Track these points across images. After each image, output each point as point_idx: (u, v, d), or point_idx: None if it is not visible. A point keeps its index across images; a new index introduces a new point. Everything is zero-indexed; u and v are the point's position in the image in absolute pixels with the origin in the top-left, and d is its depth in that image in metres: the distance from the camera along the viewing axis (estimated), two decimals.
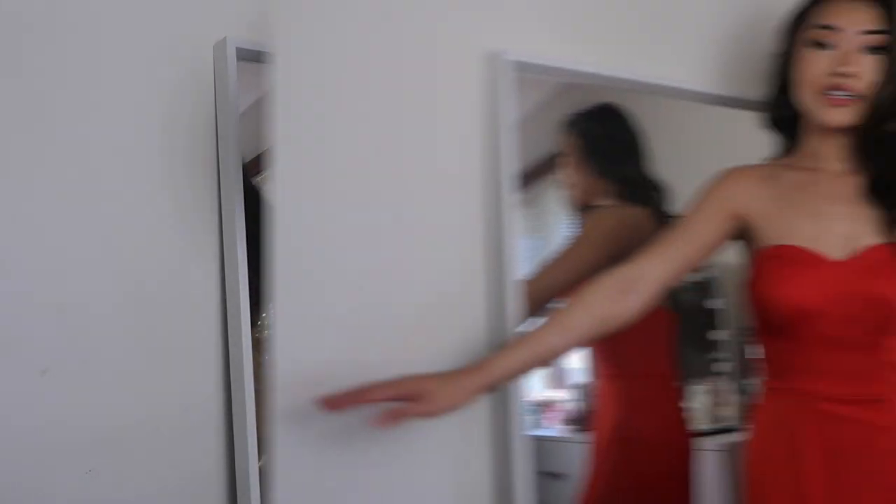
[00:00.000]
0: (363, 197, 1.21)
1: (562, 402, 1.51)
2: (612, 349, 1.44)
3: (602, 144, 1.50)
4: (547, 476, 1.37)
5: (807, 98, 1.14)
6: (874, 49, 1.10)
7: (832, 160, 1.17)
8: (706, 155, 1.60)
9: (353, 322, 1.19)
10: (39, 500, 1.08)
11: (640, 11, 1.44)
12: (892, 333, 1.10)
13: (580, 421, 1.50)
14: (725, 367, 1.67)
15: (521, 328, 1.21)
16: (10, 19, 1.08)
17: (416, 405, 0.98)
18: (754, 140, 1.33)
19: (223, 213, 1.22)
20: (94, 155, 1.15)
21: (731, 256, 1.28)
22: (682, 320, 1.60)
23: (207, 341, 1.24)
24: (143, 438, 1.17)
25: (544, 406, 1.49)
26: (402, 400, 0.98)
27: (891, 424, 1.10)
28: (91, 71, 1.16)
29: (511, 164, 1.24)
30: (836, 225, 1.12)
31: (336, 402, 0.97)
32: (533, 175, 1.41)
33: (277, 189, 1.14)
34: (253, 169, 1.27)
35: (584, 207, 1.49)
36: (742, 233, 1.19)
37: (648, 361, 1.54)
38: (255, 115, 1.23)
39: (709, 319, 1.68)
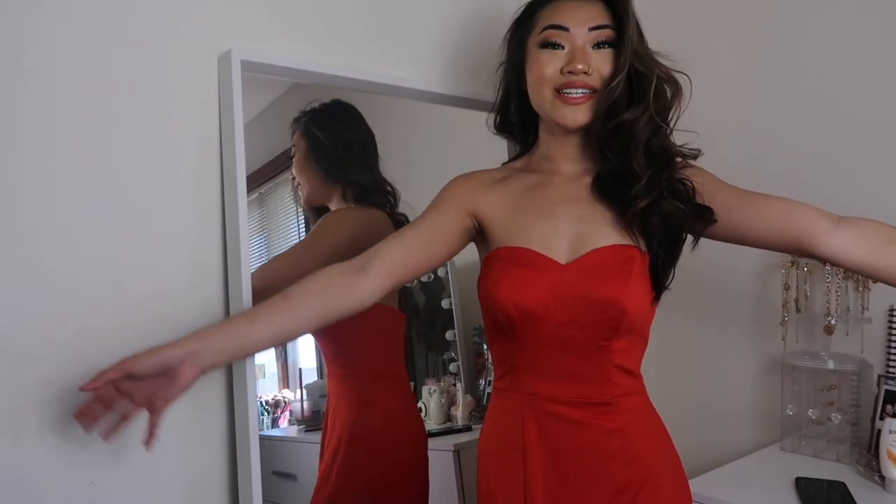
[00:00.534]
0: (93, 193, 1.15)
1: (294, 402, 1.49)
2: (343, 349, 1.44)
3: (328, 147, 1.46)
4: (280, 476, 1.37)
5: (542, 99, 1.11)
6: (603, 44, 1.09)
7: (567, 162, 1.16)
8: (438, 155, 1.66)
9: (87, 318, 1.14)
10: None
11: (371, 12, 1.48)
12: (619, 336, 1.06)
13: (312, 421, 1.48)
14: (457, 367, 1.69)
15: None
16: (16, 28, 1.08)
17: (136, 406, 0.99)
18: (486, 140, 1.35)
19: (227, 221, 1.25)
20: (98, 164, 1.14)
21: (463, 257, 1.28)
22: (415, 320, 1.63)
23: None
24: (145, 451, 1.13)
25: (278, 406, 1.48)
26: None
27: (618, 428, 1.07)
28: (97, 82, 1.15)
29: (241, 163, 1.23)
30: (564, 227, 1.09)
31: (89, 385, 0.96)
32: (264, 173, 1.40)
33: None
34: (258, 177, 1.31)
35: (315, 208, 1.47)
36: (476, 235, 1.18)
37: (380, 361, 1.52)
38: (260, 125, 1.30)
39: (441, 320, 1.69)
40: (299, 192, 1.45)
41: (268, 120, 1.38)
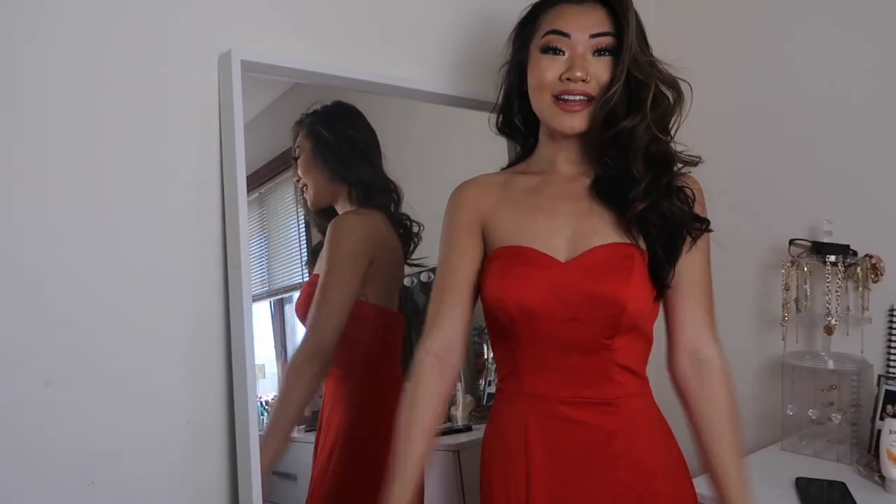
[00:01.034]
0: (93, 193, 1.15)
1: None
2: (340, 350, 1.43)
3: (333, 146, 1.45)
4: (280, 476, 1.37)
5: (541, 104, 1.12)
6: (603, 51, 1.09)
7: (566, 163, 1.16)
8: (437, 155, 1.66)
9: (87, 318, 1.14)
10: None
11: (372, 12, 1.48)
12: (620, 334, 1.05)
13: (312, 421, 1.46)
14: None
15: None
16: (15, 28, 1.08)
17: None
18: (486, 140, 1.35)
19: (227, 221, 1.25)
20: (97, 166, 1.14)
21: None
22: (415, 320, 1.60)
23: (212, 352, 1.26)
24: (145, 451, 1.18)
25: None
26: None
27: (620, 429, 1.06)
28: (97, 82, 1.15)
29: (241, 163, 1.23)
30: (563, 224, 1.09)
31: None
32: (264, 173, 1.40)
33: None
34: (258, 178, 1.31)
35: (319, 210, 1.47)
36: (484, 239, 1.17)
37: (378, 363, 1.52)
38: (260, 125, 1.30)
39: None
40: (305, 195, 1.45)
41: (268, 120, 1.39)
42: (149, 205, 1.20)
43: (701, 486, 1.35)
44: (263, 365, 1.43)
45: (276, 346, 1.47)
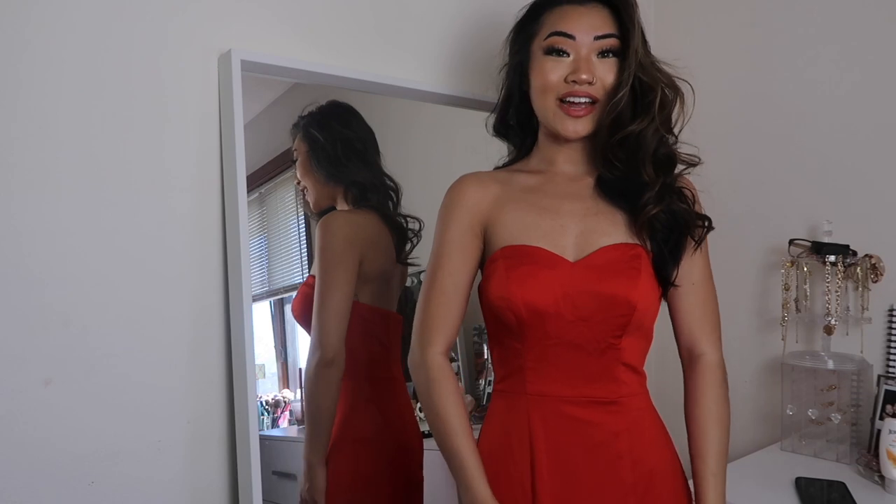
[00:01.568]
0: (93, 194, 1.15)
1: (294, 402, 1.47)
2: None
3: (327, 147, 1.44)
4: (280, 476, 1.37)
5: (545, 107, 1.10)
6: (608, 53, 1.08)
7: (568, 164, 1.15)
8: (435, 155, 1.66)
9: (87, 318, 1.14)
10: None
11: (371, 12, 1.48)
12: (628, 334, 1.05)
13: None
14: (457, 367, 1.68)
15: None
16: (14, 31, 1.08)
17: None
18: (485, 140, 1.32)
19: (227, 221, 1.25)
20: (98, 165, 1.15)
21: None
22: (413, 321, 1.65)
23: (212, 352, 1.26)
24: (145, 451, 1.18)
25: (278, 406, 1.48)
26: None
27: (624, 428, 1.07)
28: (96, 82, 1.15)
29: (241, 163, 1.23)
30: (570, 224, 1.08)
31: None
32: (264, 173, 1.40)
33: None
34: (258, 178, 1.31)
35: (320, 212, 1.46)
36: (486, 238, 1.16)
37: (375, 363, 1.51)
38: (260, 125, 1.30)
39: None
40: (306, 198, 1.45)
41: (268, 120, 1.38)
42: (148, 204, 1.20)
43: None
44: (263, 365, 1.44)
45: (276, 346, 1.47)
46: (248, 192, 1.25)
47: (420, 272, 1.58)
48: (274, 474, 1.33)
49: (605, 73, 1.08)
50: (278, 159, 1.44)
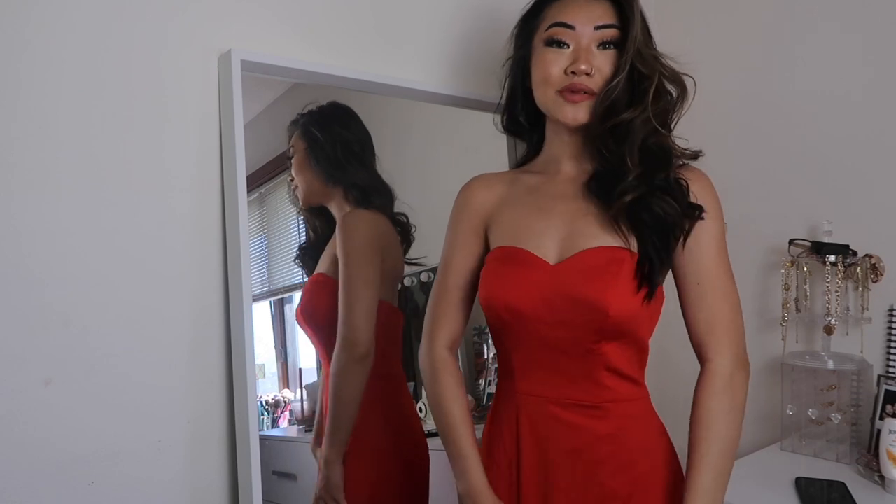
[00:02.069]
0: (93, 194, 1.15)
1: (294, 402, 1.48)
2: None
3: (327, 148, 1.45)
4: (280, 476, 1.37)
5: (545, 98, 1.11)
6: (608, 45, 1.08)
7: (570, 161, 1.15)
8: (434, 155, 1.65)
9: (87, 318, 1.14)
10: None
11: (371, 12, 1.48)
12: (607, 340, 1.04)
13: (312, 421, 1.46)
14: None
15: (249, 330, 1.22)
16: (14, 30, 1.08)
17: None
18: (484, 140, 1.34)
19: (227, 221, 1.25)
20: (98, 165, 1.14)
21: None
22: (415, 320, 1.60)
23: (212, 352, 1.26)
24: (145, 451, 1.18)
25: (278, 406, 1.48)
26: None
27: (609, 433, 1.06)
28: (96, 82, 1.15)
29: (241, 163, 1.23)
30: (558, 226, 1.09)
31: None
32: (264, 173, 1.40)
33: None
34: (258, 178, 1.31)
35: (312, 209, 1.46)
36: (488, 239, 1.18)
37: (382, 359, 1.51)
38: (260, 125, 1.30)
39: None
40: (296, 193, 1.45)
41: (268, 120, 1.38)
42: (149, 204, 1.20)
43: None
44: (263, 365, 1.43)
45: (276, 346, 1.47)
46: (248, 192, 1.25)
47: (420, 272, 1.59)
48: (274, 474, 1.33)
49: (605, 64, 1.07)
50: (278, 159, 1.44)
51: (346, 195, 1.47)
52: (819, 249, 1.58)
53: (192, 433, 1.24)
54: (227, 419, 1.27)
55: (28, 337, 1.08)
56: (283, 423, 1.48)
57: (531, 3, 1.17)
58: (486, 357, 1.71)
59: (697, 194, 1.08)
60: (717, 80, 1.79)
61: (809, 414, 1.58)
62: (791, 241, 1.64)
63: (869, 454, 1.48)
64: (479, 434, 1.19)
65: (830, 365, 1.56)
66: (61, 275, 1.11)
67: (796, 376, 1.61)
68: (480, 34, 1.61)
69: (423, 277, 1.64)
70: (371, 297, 1.42)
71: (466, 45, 1.61)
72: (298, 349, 1.51)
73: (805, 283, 1.63)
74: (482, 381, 1.72)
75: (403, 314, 1.57)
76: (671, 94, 1.09)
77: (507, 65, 1.22)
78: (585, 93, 1.07)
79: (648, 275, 1.05)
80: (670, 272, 1.10)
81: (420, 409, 1.64)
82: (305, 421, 1.48)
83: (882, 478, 1.38)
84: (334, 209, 1.47)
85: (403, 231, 1.54)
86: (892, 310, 1.57)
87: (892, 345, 1.56)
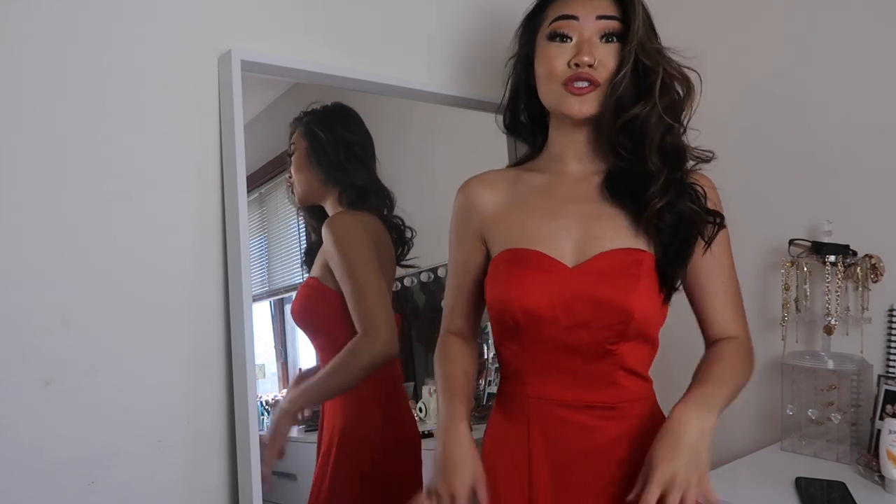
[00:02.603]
0: (93, 194, 1.15)
1: None
2: (338, 350, 1.43)
3: (329, 148, 1.45)
4: (280, 476, 1.37)
5: (550, 92, 1.10)
6: (611, 36, 1.08)
7: (576, 160, 1.14)
8: (433, 155, 1.66)
9: (88, 318, 1.14)
10: None
11: (371, 12, 1.48)
12: (626, 340, 1.04)
13: (312, 421, 1.46)
14: None
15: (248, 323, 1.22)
16: (13, 29, 1.07)
17: None
18: (483, 141, 1.35)
19: (227, 221, 1.25)
20: (97, 165, 1.14)
21: None
22: (415, 321, 1.62)
23: (212, 352, 1.26)
24: (146, 451, 1.18)
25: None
26: None
27: (624, 434, 1.06)
28: (97, 82, 1.15)
29: (241, 163, 1.23)
30: (571, 228, 1.08)
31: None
32: (264, 173, 1.40)
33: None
34: (258, 178, 1.31)
35: (309, 207, 1.47)
36: (486, 241, 1.17)
37: None
38: (260, 125, 1.30)
39: (440, 320, 1.71)
40: (293, 191, 1.46)
41: (268, 120, 1.39)
42: (149, 204, 1.20)
43: None
44: (263, 365, 1.44)
45: (276, 346, 1.47)
46: (248, 192, 1.25)
47: (420, 272, 1.59)
48: (274, 474, 1.33)
49: (608, 57, 1.07)
50: (278, 159, 1.44)
51: (341, 196, 1.46)
52: (819, 249, 1.58)
53: (192, 433, 1.24)
54: (227, 419, 1.27)
55: (28, 337, 1.08)
56: None
57: (535, 1, 1.18)
58: (486, 357, 1.71)
59: (714, 201, 1.11)
60: (718, 80, 1.79)
61: (809, 414, 1.58)
62: (791, 241, 1.63)
63: (869, 454, 1.48)
64: (478, 434, 1.19)
65: (830, 365, 1.56)
66: (61, 275, 1.11)
67: (796, 376, 1.61)
68: (481, 34, 1.61)
69: (424, 277, 1.64)
70: (385, 291, 1.44)
71: (467, 46, 1.61)
72: (298, 349, 1.51)
73: (805, 283, 1.63)
74: (482, 381, 1.72)
75: (401, 315, 1.57)
76: (677, 89, 1.09)
77: (510, 63, 1.21)
78: (590, 83, 1.07)
79: (670, 277, 1.06)
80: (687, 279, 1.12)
81: (420, 409, 1.64)
82: (305, 421, 1.48)
83: (882, 478, 1.38)
84: (329, 210, 1.47)
85: (398, 234, 1.53)
86: (892, 310, 1.57)
87: (892, 345, 1.56)
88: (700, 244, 1.08)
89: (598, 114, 1.08)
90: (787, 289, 1.65)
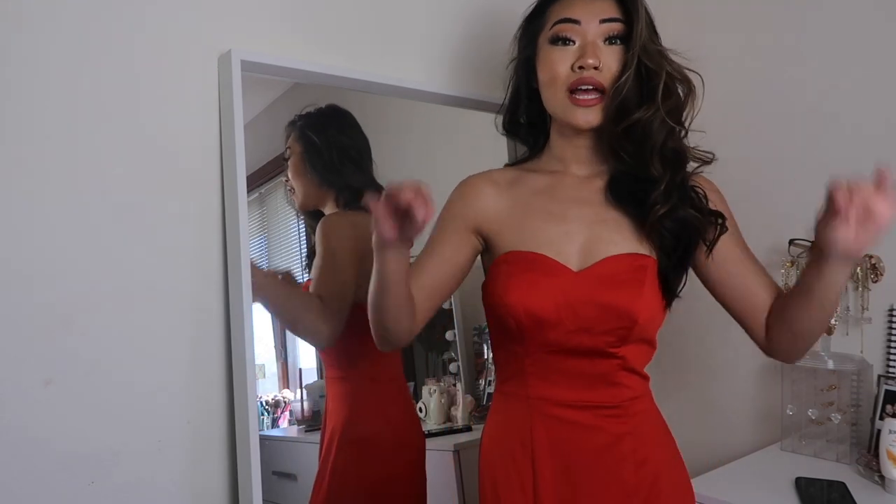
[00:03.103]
0: (93, 194, 1.15)
1: (294, 402, 1.49)
2: (339, 352, 1.44)
3: (323, 152, 1.44)
4: (280, 476, 1.37)
5: (554, 100, 1.09)
6: (614, 39, 1.07)
7: (578, 164, 1.13)
8: (433, 156, 1.66)
9: (87, 318, 1.14)
10: None
11: (372, 12, 1.48)
12: (629, 343, 1.05)
13: (312, 421, 1.48)
14: (457, 367, 1.69)
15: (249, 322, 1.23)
16: (13, 29, 1.07)
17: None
18: (483, 141, 1.33)
19: (227, 221, 1.25)
20: (97, 166, 1.14)
21: None
22: None
23: (212, 352, 1.26)
24: (146, 451, 1.18)
25: (278, 406, 1.48)
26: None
27: (627, 431, 1.06)
28: (97, 82, 1.15)
29: (241, 163, 1.23)
30: (576, 231, 1.07)
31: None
32: (264, 173, 1.40)
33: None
34: (258, 178, 1.31)
35: (309, 212, 1.46)
36: (484, 241, 1.15)
37: (377, 364, 1.51)
38: (260, 125, 1.30)
39: (441, 320, 1.68)
40: (292, 197, 1.45)
41: (268, 120, 1.39)
42: (149, 204, 1.20)
43: (700, 485, 1.35)
44: (263, 365, 1.44)
45: (276, 346, 1.48)
46: (248, 192, 1.25)
47: None
48: (274, 474, 1.33)
49: (612, 59, 1.07)
50: (278, 159, 1.44)
51: (338, 198, 1.46)
52: None
53: (192, 433, 1.24)
54: (227, 419, 1.27)
55: (28, 337, 1.08)
56: (283, 423, 1.48)
57: (534, 3, 1.17)
58: (485, 357, 1.72)
59: (715, 203, 1.11)
60: (718, 80, 1.79)
61: (809, 414, 1.58)
62: (791, 241, 1.63)
63: (869, 454, 1.48)
64: (478, 434, 1.19)
65: (830, 365, 1.56)
66: (62, 275, 1.11)
67: (796, 376, 1.61)
68: (481, 34, 1.61)
69: None
70: (344, 290, 1.39)
71: (466, 46, 1.61)
72: (298, 349, 1.51)
73: None
74: (482, 381, 1.72)
75: None
76: (680, 91, 1.08)
77: (511, 66, 1.20)
78: (595, 89, 1.06)
79: (671, 282, 1.07)
80: (703, 274, 1.13)
81: (420, 409, 1.64)
82: (305, 421, 1.49)
83: (882, 478, 1.38)
84: (327, 213, 1.46)
85: None
86: (892, 310, 1.57)
87: (892, 345, 1.56)
88: (701, 249, 1.09)
89: (605, 122, 1.08)
90: (787, 289, 1.65)
